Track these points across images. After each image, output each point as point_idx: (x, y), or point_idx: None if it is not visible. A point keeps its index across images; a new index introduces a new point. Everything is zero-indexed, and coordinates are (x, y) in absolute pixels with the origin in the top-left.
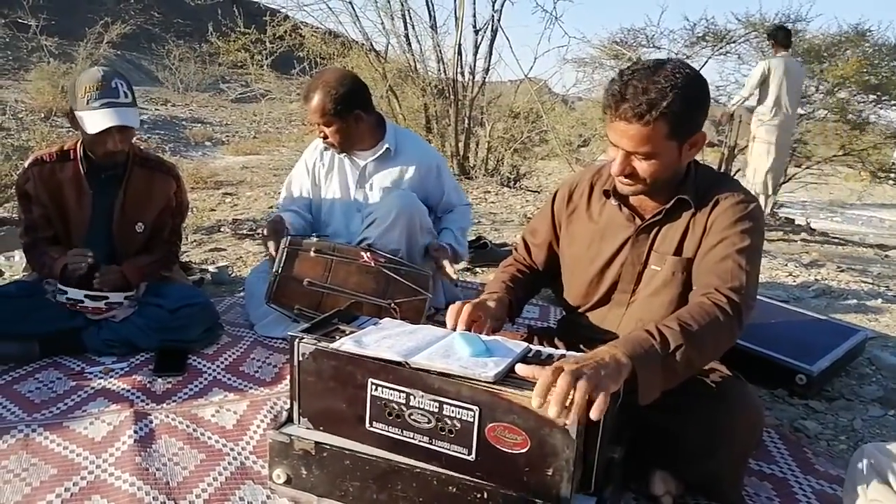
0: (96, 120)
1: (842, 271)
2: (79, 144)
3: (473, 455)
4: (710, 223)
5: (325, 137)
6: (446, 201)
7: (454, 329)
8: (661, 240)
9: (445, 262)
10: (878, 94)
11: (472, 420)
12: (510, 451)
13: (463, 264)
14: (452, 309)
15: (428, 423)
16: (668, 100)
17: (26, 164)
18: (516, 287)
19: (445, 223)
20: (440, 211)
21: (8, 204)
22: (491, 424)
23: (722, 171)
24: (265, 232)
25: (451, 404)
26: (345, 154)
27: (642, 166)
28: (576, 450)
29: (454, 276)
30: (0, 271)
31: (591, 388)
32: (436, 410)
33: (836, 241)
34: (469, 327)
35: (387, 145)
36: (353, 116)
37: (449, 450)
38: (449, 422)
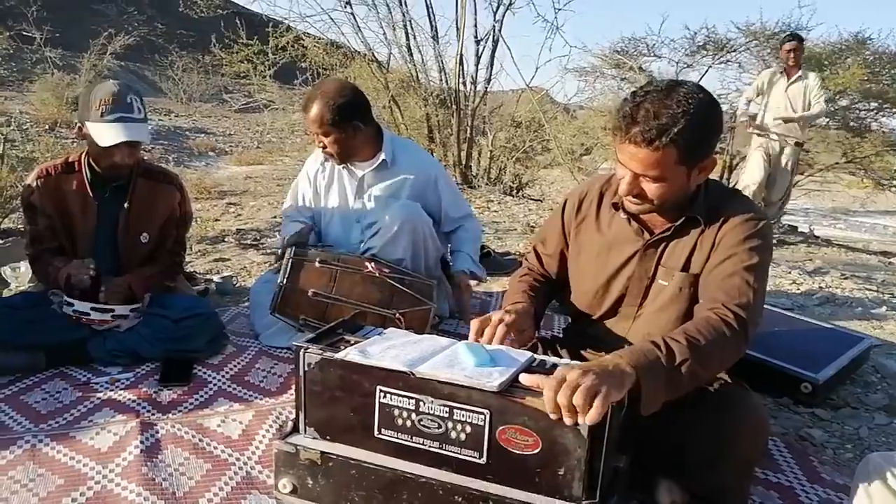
0: (108, 133)
1: (846, 279)
2: (83, 156)
3: (485, 458)
4: (718, 239)
5: (324, 147)
6: (446, 212)
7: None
8: (668, 255)
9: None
10: (880, 101)
11: (482, 424)
12: (522, 452)
13: None
14: (475, 324)
15: (438, 428)
16: (680, 126)
17: (32, 176)
18: (537, 297)
19: (458, 245)
20: (445, 225)
21: (13, 215)
22: (502, 427)
23: (723, 179)
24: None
25: (461, 409)
26: (343, 164)
27: (650, 188)
28: (587, 448)
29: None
30: (6, 282)
31: (591, 397)
32: (446, 415)
33: (840, 248)
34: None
35: (382, 157)
36: (351, 127)
37: (459, 454)
38: (459, 426)
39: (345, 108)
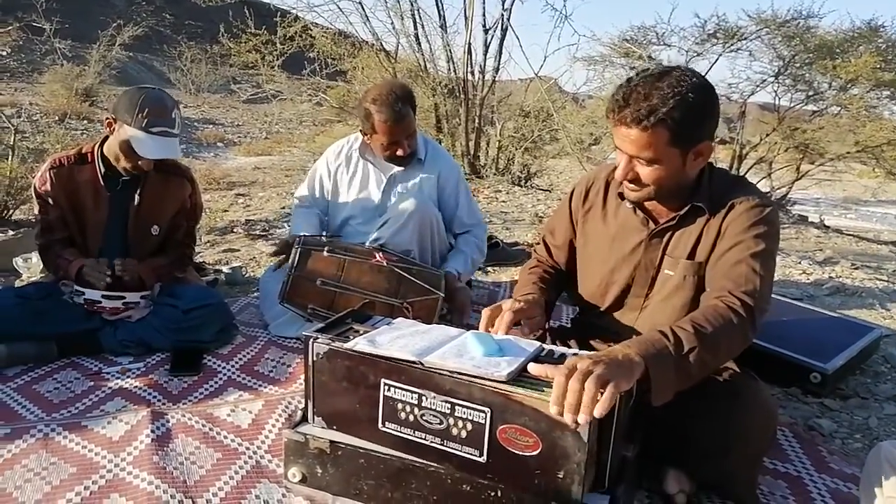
0: (150, 145)
1: (856, 268)
2: (96, 148)
3: (485, 457)
4: (724, 227)
5: (401, 153)
6: (460, 215)
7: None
8: (674, 244)
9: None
10: (892, 89)
11: (483, 422)
12: (521, 453)
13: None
14: (485, 313)
15: (440, 424)
16: (669, 106)
17: (44, 167)
18: (548, 288)
19: (461, 245)
20: (455, 227)
21: (24, 206)
22: (502, 426)
23: (734, 169)
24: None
25: (462, 406)
26: (370, 161)
27: (645, 172)
28: (587, 452)
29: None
30: (18, 273)
31: (601, 385)
32: (448, 412)
33: (851, 237)
34: (507, 331)
35: (419, 155)
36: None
37: (460, 451)
38: (461, 423)
39: (414, 104)
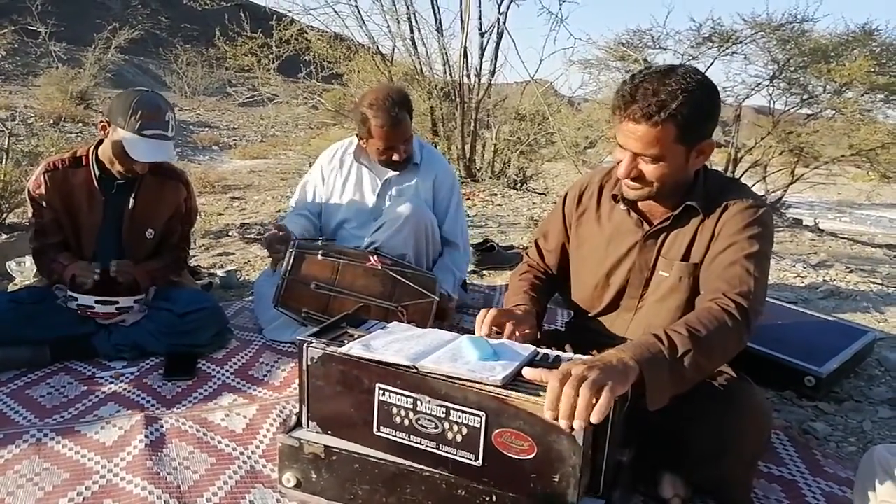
0: (143, 148)
1: (850, 272)
2: (91, 151)
3: (480, 461)
4: (718, 228)
5: (397, 158)
6: (447, 223)
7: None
8: (668, 245)
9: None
10: (886, 93)
11: (478, 426)
12: (517, 457)
13: (470, 267)
14: (480, 316)
15: (435, 428)
16: (678, 102)
17: (39, 169)
18: (539, 296)
19: (448, 262)
20: (443, 233)
21: (18, 210)
22: (497, 430)
23: (729, 172)
24: (267, 242)
25: (457, 410)
26: (365, 164)
27: (649, 169)
28: (583, 455)
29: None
30: (11, 277)
31: (596, 391)
32: (443, 416)
33: (845, 241)
34: (500, 334)
35: (416, 160)
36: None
37: (456, 455)
38: (456, 427)
39: (411, 109)
